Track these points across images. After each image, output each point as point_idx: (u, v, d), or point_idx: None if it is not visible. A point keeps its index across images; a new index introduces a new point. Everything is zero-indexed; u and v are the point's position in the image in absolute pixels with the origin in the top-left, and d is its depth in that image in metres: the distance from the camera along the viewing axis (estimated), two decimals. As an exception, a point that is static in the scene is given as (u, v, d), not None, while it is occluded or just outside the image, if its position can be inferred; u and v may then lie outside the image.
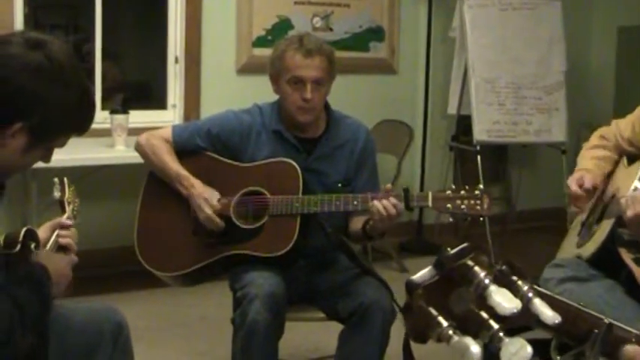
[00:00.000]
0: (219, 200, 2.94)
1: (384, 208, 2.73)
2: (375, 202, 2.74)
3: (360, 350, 2.83)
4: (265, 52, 3.15)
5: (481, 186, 2.76)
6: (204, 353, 3.91)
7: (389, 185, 2.82)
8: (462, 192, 2.73)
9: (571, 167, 3.10)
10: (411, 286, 0.88)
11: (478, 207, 2.72)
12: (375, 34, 5.78)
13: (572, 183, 2.88)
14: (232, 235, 2.94)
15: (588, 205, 2.94)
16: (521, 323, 0.87)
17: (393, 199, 2.74)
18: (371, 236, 2.94)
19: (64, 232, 2.18)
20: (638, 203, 2.42)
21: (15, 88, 1.85)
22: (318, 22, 5.53)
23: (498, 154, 6.35)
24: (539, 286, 2.66)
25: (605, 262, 2.69)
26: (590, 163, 2.98)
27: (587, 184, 2.86)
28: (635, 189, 2.62)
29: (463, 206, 2.72)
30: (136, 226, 3.11)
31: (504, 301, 0.84)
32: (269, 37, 5.28)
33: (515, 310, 0.84)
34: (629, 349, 0.95)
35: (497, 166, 6.39)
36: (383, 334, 2.81)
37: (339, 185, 2.98)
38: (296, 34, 3.04)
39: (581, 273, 2.71)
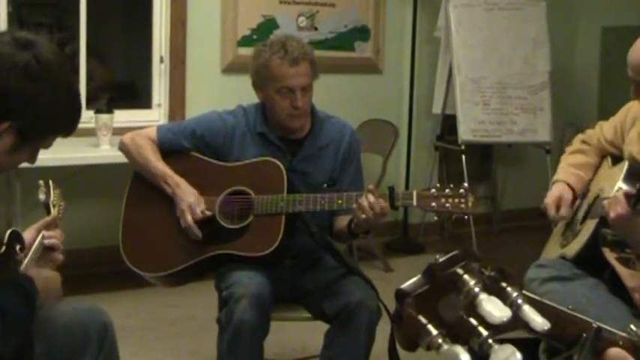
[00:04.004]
0: (202, 211, 2.93)
1: (371, 205, 2.73)
2: (363, 199, 2.74)
3: (346, 350, 2.84)
4: (251, 51, 3.14)
5: (465, 184, 2.76)
6: (191, 353, 3.91)
7: (371, 186, 2.82)
8: (447, 190, 2.73)
9: (555, 167, 3.11)
10: (401, 295, 0.89)
11: (463, 205, 2.72)
12: (361, 33, 5.78)
13: (551, 206, 2.89)
14: (217, 234, 2.94)
15: (573, 205, 2.95)
16: (510, 329, 0.87)
17: (377, 199, 2.74)
18: (356, 234, 2.94)
19: (49, 233, 2.17)
20: (619, 205, 2.44)
21: (3, 88, 1.85)
22: (303, 21, 5.53)
23: (483, 153, 6.38)
24: (522, 286, 2.69)
25: (589, 262, 2.71)
26: (566, 172, 2.99)
27: (564, 210, 2.87)
28: (619, 189, 2.63)
29: (448, 204, 2.72)
30: (121, 226, 3.10)
31: (494, 309, 0.84)
32: (254, 37, 5.28)
33: (505, 319, 0.84)
34: (612, 352, 0.96)
35: (482, 165, 6.41)
36: (368, 333, 2.82)
37: (325, 186, 2.98)
38: (276, 39, 3.01)
39: (565, 272, 2.73)
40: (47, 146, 2.03)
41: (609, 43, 6.36)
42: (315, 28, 5.58)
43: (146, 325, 4.22)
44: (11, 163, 2.02)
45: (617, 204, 2.45)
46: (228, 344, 2.76)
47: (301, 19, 5.53)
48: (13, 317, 1.83)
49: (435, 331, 0.86)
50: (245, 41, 5.28)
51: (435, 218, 2.85)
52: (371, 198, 2.72)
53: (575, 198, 2.93)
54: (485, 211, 6.38)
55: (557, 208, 2.88)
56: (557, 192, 2.92)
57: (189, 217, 2.91)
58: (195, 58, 5.20)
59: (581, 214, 2.91)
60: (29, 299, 1.88)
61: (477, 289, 0.86)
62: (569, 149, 3.12)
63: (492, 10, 5.71)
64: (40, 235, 2.14)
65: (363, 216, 2.74)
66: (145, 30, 5.24)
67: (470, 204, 2.72)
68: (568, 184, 2.94)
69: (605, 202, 2.55)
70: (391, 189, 2.78)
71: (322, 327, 2.95)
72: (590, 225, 2.74)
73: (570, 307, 0.94)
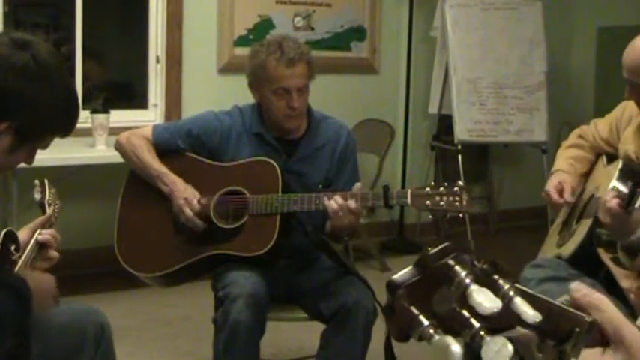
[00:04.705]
0: (199, 201, 2.93)
1: (334, 203, 2.74)
2: (325, 198, 2.76)
3: (343, 349, 2.84)
4: (247, 51, 3.14)
5: (460, 182, 2.76)
6: (187, 353, 3.90)
7: (358, 184, 2.82)
8: (441, 189, 2.74)
9: (551, 167, 3.12)
10: (392, 286, 0.89)
11: (457, 203, 2.72)
12: (357, 33, 5.79)
13: (553, 192, 2.89)
14: (213, 235, 2.94)
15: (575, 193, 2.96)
16: (502, 322, 0.88)
17: (338, 198, 2.75)
18: (338, 236, 2.94)
19: (44, 231, 2.18)
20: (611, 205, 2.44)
21: (1, 89, 1.85)
22: (299, 21, 5.53)
23: (480, 153, 6.38)
24: (517, 281, 2.69)
25: (585, 262, 2.71)
26: (564, 163, 3.00)
27: (567, 195, 2.87)
28: (614, 188, 2.64)
29: (442, 203, 2.72)
30: (116, 226, 3.10)
31: (485, 300, 0.85)
32: (250, 37, 5.28)
33: (495, 310, 0.85)
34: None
35: (478, 165, 6.41)
36: (365, 333, 2.82)
37: (320, 187, 2.98)
38: (273, 39, 3.02)
39: (561, 272, 2.73)
40: (45, 147, 2.04)
41: (605, 43, 6.37)
42: (312, 28, 5.58)
43: (142, 326, 4.22)
44: (9, 164, 2.02)
45: (608, 204, 2.46)
46: (224, 344, 2.76)
47: (297, 19, 5.53)
48: (9, 318, 1.82)
49: (426, 322, 0.86)
50: (241, 41, 5.28)
51: (430, 217, 2.84)
52: (336, 197, 2.74)
53: (574, 187, 2.93)
54: (482, 211, 6.39)
55: (559, 194, 2.88)
56: (557, 179, 2.93)
57: (188, 210, 2.91)
58: (192, 58, 5.20)
59: (576, 214, 2.92)
60: (23, 300, 1.87)
61: (467, 280, 0.87)
62: (565, 143, 3.12)
63: (488, 10, 5.71)
64: (35, 235, 2.14)
65: (332, 217, 2.76)
66: (141, 30, 5.23)
67: (464, 202, 2.72)
68: (567, 174, 2.94)
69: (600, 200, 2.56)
70: (385, 188, 2.78)
71: (318, 327, 2.96)
72: (585, 225, 2.75)
73: (563, 301, 0.94)
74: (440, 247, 0.90)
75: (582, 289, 0.97)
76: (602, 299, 0.98)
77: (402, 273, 0.90)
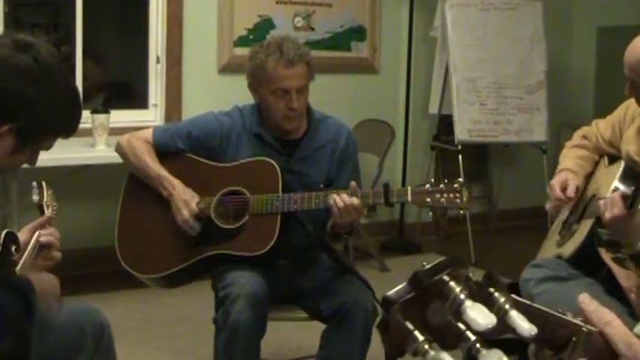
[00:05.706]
0: (197, 204, 2.93)
1: (341, 200, 2.75)
2: (334, 195, 2.76)
3: (343, 349, 2.84)
4: (247, 51, 3.14)
5: (460, 179, 2.77)
6: (187, 353, 3.90)
7: (353, 183, 2.82)
8: (441, 186, 2.74)
9: (551, 167, 3.12)
10: (387, 302, 0.89)
11: (458, 200, 2.73)
12: (357, 33, 5.79)
13: (557, 186, 2.88)
14: (213, 235, 2.94)
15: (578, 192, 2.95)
16: (499, 334, 0.87)
17: (345, 195, 2.76)
18: (337, 234, 2.94)
19: (45, 231, 2.17)
20: (615, 206, 2.44)
21: (3, 91, 1.85)
22: (299, 21, 5.53)
23: (479, 153, 6.38)
24: (518, 286, 2.68)
25: (585, 262, 2.71)
26: (572, 162, 2.99)
27: (571, 191, 2.86)
28: (615, 189, 2.64)
29: (443, 200, 2.73)
30: (117, 227, 3.10)
31: (479, 317, 0.84)
32: (251, 37, 5.28)
33: (490, 326, 0.85)
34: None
35: (478, 165, 6.41)
36: (365, 333, 2.82)
37: (321, 186, 2.98)
38: (272, 40, 3.01)
39: (561, 272, 2.73)
40: (48, 147, 2.04)
41: (605, 43, 6.36)
42: (312, 29, 5.58)
43: (142, 326, 4.22)
44: (11, 165, 2.02)
45: (613, 205, 2.45)
46: (224, 344, 2.76)
47: (297, 19, 5.53)
48: (9, 318, 1.82)
49: (421, 338, 0.86)
50: (241, 41, 5.28)
51: (430, 214, 2.84)
52: (342, 194, 2.75)
53: (579, 186, 2.92)
54: (482, 210, 6.38)
55: (563, 190, 2.88)
56: (563, 176, 2.92)
57: (185, 212, 2.91)
58: (192, 58, 5.21)
59: (577, 214, 2.91)
60: (27, 301, 1.87)
61: (462, 296, 0.86)
62: (569, 143, 3.11)
63: (488, 9, 5.71)
64: (36, 235, 2.13)
65: (337, 214, 2.76)
66: (141, 30, 5.23)
67: (465, 198, 2.72)
68: (574, 173, 2.94)
69: (601, 202, 2.56)
70: (386, 185, 2.79)
71: (318, 327, 2.96)
72: (586, 225, 2.75)
73: (560, 310, 0.94)
74: (434, 262, 0.89)
75: (591, 304, 0.96)
76: (613, 316, 0.98)
77: (397, 289, 0.90)
